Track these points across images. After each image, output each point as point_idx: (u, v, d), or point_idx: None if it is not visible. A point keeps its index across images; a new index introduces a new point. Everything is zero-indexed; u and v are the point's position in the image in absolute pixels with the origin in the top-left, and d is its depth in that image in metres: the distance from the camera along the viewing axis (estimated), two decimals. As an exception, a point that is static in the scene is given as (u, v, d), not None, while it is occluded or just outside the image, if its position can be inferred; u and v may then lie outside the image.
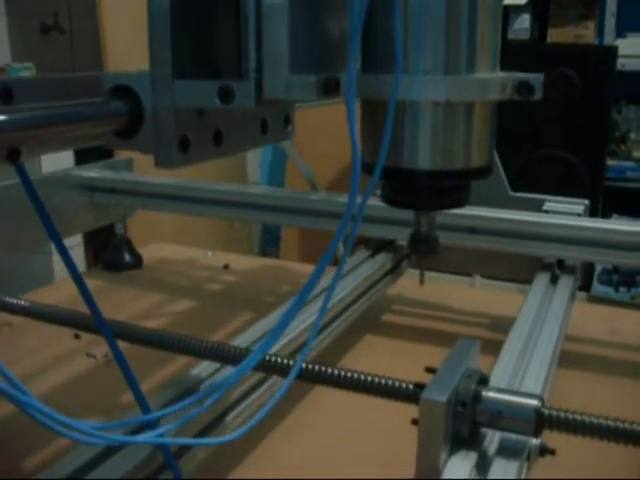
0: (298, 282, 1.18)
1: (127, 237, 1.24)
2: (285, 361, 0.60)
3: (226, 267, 1.26)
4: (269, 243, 2.91)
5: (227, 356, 0.64)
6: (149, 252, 1.32)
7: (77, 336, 0.90)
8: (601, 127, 2.39)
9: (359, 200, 0.43)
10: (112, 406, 0.77)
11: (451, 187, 0.51)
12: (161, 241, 1.50)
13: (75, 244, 2.10)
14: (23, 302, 0.77)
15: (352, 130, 0.39)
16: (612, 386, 0.84)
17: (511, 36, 2.55)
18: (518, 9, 2.52)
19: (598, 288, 2.27)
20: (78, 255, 2.15)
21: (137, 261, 1.26)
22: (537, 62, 2.40)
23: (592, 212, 1.02)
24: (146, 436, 0.50)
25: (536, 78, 0.46)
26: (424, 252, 0.54)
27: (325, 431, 0.75)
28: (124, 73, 0.49)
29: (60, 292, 1.09)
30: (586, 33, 2.53)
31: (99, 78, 0.49)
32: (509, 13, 2.54)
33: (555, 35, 2.55)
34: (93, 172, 1.11)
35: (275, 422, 0.75)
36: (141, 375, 0.57)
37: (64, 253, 0.53)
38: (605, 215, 2.43)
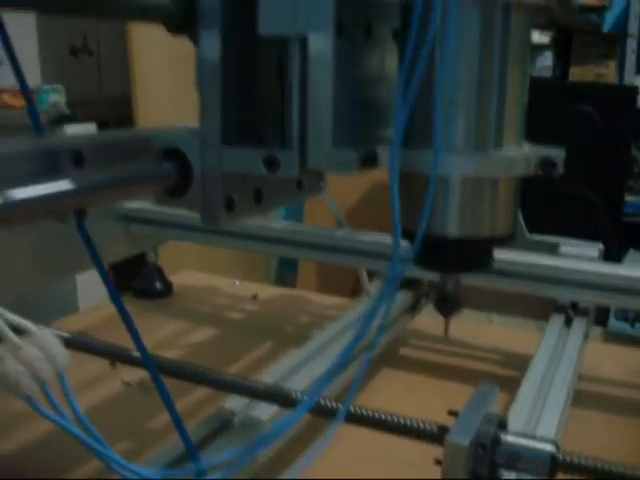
0: (324, 315, 1.22)
1: (158, 265, 1.28)
2: (333, 405, 0.63)
3: (254, 297, 1.30)
4: (287, 268, 2.95)
5: (278, 398, 0.68)
6: (178, 280, 1.35)
7: (112, 364, 0.93)
8: (620, 163, 2.43)
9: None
10: (148, 433, 0.82)
11: (477, 252, 0.55)
12: (183, 266, 1.53)
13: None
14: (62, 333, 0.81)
15: (395, 211, 0.43)
16: (626, 427, 0.87)
17: (533, 73, 2.60)
18: (541, 47, 2.57)
19: (614, 324, 2.29)
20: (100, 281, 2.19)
21: (167, 289, 1.29)
22: (559, 99, 2.45)
23: (610, 247, 1.06)
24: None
25: (558, 155, 0.50)
26: (450, 310, 0.58)
27: (347, 465, 0.79)
28: (173, 134, 0.52)
29: (85, 321, 1.13)
30: (607, 72, 2.57)
31: (150, 138, 0.52)
32: (532, 51, 2.59)
33: (577, 73, 2.59)
34: (129, 203, 1.15)
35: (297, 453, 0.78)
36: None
37: (108, 283, 0.57)
38: (622, 251, 2.46)
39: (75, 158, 0.51)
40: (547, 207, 2.42)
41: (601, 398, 0.94)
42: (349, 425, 0.63)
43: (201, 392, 0.88)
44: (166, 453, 0.62)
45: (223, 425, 0.68)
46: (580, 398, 0.86)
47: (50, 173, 0.49)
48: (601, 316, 2.22)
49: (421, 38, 0.44)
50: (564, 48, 2.61)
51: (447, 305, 0.58)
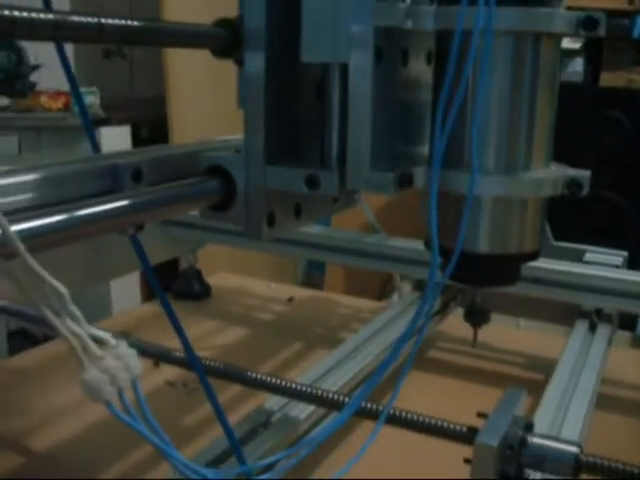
0: (356, 317, 1.26)
1: (197, 268, 1.31)
2: (374, 407, 0.67)
3: (290, 300, 1.33)
4: (314, 268, 2.98)
5: (316, 399, 0.71)
6: (215, 281, 1.39)
7: (156, 364, 0.96)
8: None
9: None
10: (186, 430, 0.86)
11: (506, 268, 0.58)
12: (214, 268, 1.56)
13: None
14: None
15: (433, 226, 0.47)
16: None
17: (564, 79, 2.60)
18: (572, 53, 2.57)
19: (644, 329, 2.30)
20: (134, 283, 2.25)
21: (206, 291, 1.33)
22: (589, 105, 2.46)
23: (638, 254, 1.08)
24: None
25: (583, 176, 0.53)
26: (479, 321, 0.61)
27: (379, 462, 0.82)
28: (219, 153, 0.56)
29: (119, 324, 1.17)
30: (638, 78, 2.57)
31: (197, 156, 0.56)
32: (563, 56, 2.60)
33: (608, 79, 2.58)
34: None
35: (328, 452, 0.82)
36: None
37: (155, 285, 0.60)
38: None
39: (134, 175, 0.55)
40: (576, 213, 2.44)
41: (625, 402, 0.96)
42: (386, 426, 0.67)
43: (236, 390, 0.91)
44: (209, 450, 0.66)
45: (263, 423, 0.72)
46: (604, 402, 0.89)
47: (113, 190, 0.54)
48: (629, 321, 2.23)
49: (459, 67, 0.46)
50: (595, 53, 2.61)
51: (476, 317, 0.61)
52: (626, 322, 1.29)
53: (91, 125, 0.63)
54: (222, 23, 0.52)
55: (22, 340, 1.72)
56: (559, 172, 0.54)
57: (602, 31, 0.50)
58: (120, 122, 2.34)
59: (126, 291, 2.19)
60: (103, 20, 0.45)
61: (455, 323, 1.16)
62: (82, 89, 2.44)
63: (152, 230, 1.15)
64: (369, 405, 0.66)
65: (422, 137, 0.58)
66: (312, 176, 0.52)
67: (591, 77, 2.63)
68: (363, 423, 0.68)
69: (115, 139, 2.25)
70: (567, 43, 2.53)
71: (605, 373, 0.96)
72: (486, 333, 1.13)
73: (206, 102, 2.28)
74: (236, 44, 0.52)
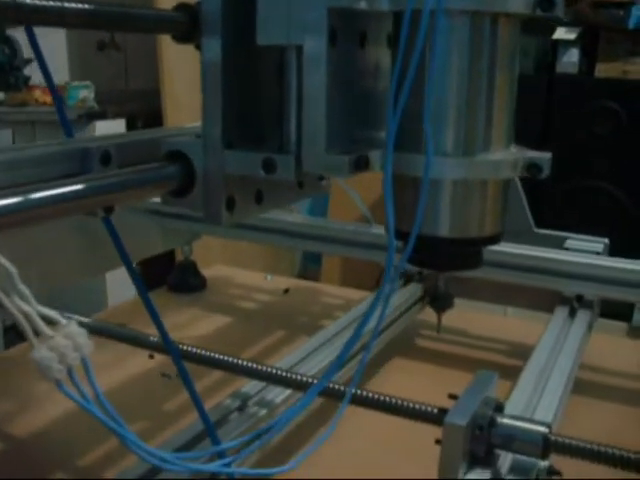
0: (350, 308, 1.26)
1: (192, 260, 1.31)
2: (341, 388, 0.68)
3: (286, 291, 1.34)
4: (310, 261, 2.99)
5: (291, 383, 0.72)
6: (211, 274, 1.39)
7: (151, 356, 0.95)
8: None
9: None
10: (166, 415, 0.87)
11: (467, 252, 0.58)
12: (210, 261, 1.57)
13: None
14: (96, 322, 0.87)
15: (389, 210, 0.47)
16: (632, 417, 0.90)
17: (560, 69, 2.60)
18: (567, 43, 2.56)
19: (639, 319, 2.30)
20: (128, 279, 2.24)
21: (201, 283, 1.33)
22: (584, 96, 2.46)
23: (635, 243, 1.07)
24: (215, 465, 0.57)
25: (543, 159, 0.53)
26: (442, 306, 0.61)
27: (354, 446, 0.83)
28: (179, 138, 0.55)
29: (114, 315, 1.17)
30: (634, 68, 2.56)
31: (159, 142, 0.55)
32: (558, 47, 2.59)
33: (603, 70, 2.57)
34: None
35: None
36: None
37: (134, 275, 0.61)
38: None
39: (103, 158, 0.56)
40: (574, 202, 2.45)
41: (606, 388, 0.97)
42: (357, 409, 0.67)
43: (218, 377, 0.93)
44: (184, 434, 0.68)
45: (238, 407, 0.73)
46: (584, 387, 0.90)
47: (82, 173, 0.54)
48: (626, 311, 2.23)
49: (411, 46, 0.46)
50: (591, 44, 2.61)
51: (440, 302, 0.61)
52: (623, 312, 1.29)
53: (63, 108, 0.63)
54: (182, 8, 0.52)
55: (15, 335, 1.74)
56: (519, 154, 0.54)
57: (559, 11, 0.49)
58: (115, 115, 2.35)
59: (122, 283, 2.19)
60: (66, 4, 0.46)
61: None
62: (76, 83, 2.47)
63: (145, 222, 1.16)
64: (336, 387, 0.67)
65: (383, 122, 0.57)
66: (269, 160, 0.52)
67: (586, 68, 2.63)
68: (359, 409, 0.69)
69: (110, 132, 2.25)
70: (563, 34, 2.53)
71: (588, 360, 0.97)
72: (465, 321, 1.14)
73: (201, 95, 2.26)
74: (195, 29, 0.52)
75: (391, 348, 1.02)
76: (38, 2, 0.44)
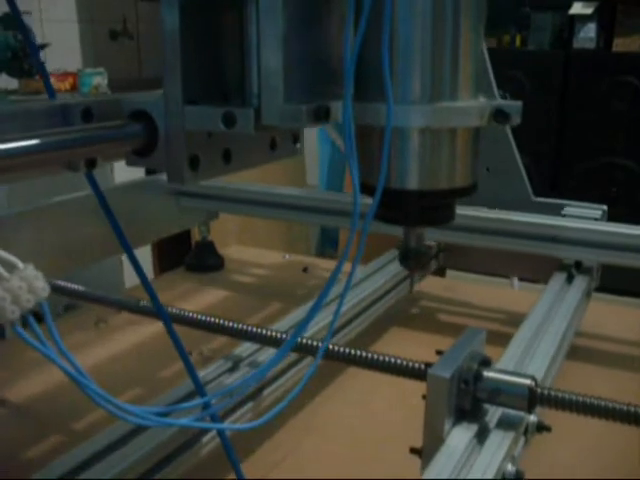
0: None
1: (210, 240, 1.32)
2: (315, 343, 0.69)
3: (305, 270, 1.33)
4: (327, 243, 2.99)
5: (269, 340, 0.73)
6: (230, 254, 1.39)
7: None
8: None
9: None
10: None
11: (437, 205, 0.57)
12: (226, 242, 1.56)
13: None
14: (84, 289, 0.87)
15: (352, 156, 0.46)
16: (630, 381, 0.90)
17: (576, 45, 2.57)
18: (584, 18, 2.54)
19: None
20: (146, 256, 2.25)
21: (219, 263, 1.33)
22: (602, 71, 2.44)
23: None
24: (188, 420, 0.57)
25: (512, 106, 0.51)
26: (413, 266, 0.59)
27: (347, 407, 0.84)
28: (141, 98, 0.55)
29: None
30: (652, 42, 2.53)
31: (122, 101, 0.55)
32: (575, 22, 2.57)
33: (621, 44, 2.55)
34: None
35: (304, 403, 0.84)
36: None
37: (119, 233, 0.61)
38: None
39: (84, 114, 0.56)
40: (592, 178, 2.43)
41: (604, 354, 0.97)
42: (355, 373, 0.67)
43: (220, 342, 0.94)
44: (172, 393, 0.69)
45: (230, 368, 0.73)
46: (582, 353, 0.90)
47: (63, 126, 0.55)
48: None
49: None
50: (608, 19, 2.57)
51: (411, 260, 0.59)
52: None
53: (46, 71, 0.64)
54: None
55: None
56: (487, 102, 0.53)
57: None
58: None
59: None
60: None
61: (437, 283, 1.17)
62: (89, 70, 2.48)
63: (164, 202, 1.17)
64: (310, 342, 0.68)
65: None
66: (228, 114, 0.51)
67: (604, 43, 2.59)
68: (355, 371, 0.69)
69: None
70: (579, 9, 2.51)
71: (587, 327, 0.97)
72: (465, 291, 1.14)
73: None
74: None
75: (389, 318, 1.03)
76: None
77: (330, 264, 1.48)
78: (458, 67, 0.51)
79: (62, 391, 0.85)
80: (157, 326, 0.87)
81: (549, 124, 2.54)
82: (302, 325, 0.54)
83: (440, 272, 1.39)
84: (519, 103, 0.52)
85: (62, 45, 2.60)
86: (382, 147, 0.47)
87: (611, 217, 1.02)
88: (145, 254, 2.25)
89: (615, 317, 1.09)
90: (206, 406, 0.61)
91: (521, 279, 1.50)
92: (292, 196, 1.17)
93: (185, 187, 1.19)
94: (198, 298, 1.18)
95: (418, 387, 0.62)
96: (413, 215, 0.57)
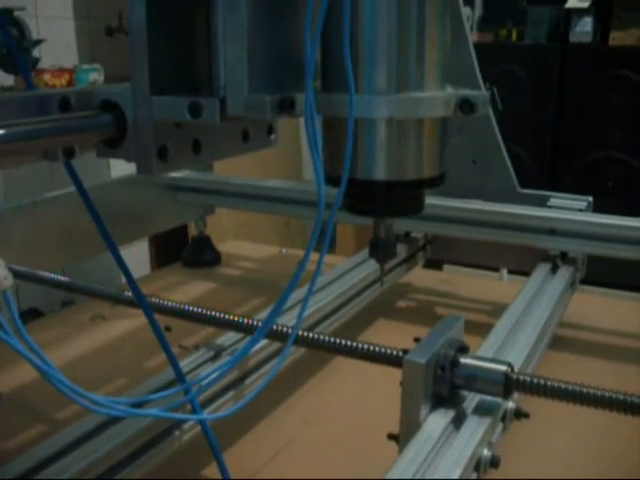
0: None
1: (206, 235, 1.31)
2: (288, 330, 0.69)
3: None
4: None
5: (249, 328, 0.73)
6: (227, 249, 1.39)
7: (168, 328, 0.93)
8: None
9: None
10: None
11: (406, 196, 0.57)
12: (222, 236, 1.57)
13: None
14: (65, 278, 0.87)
15: (314, 146, 0.46)
16: (610, 370, 0.90)
17: (573, 39, 2.57)
18: (580, 12, 2.53)
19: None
20: (143, 252, 2.26)
21: (216, 258, 1.32)
22: (599, 65, 2.44)
23: None
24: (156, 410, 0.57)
25: (478, 96, 0.51)
26: (382, 257, 0.59)
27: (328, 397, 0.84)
28: (111, 89, 0.55)
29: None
30: (649, 35, 2.53)
31: (92, 92, 0.56)
32: (571, 16, 2.57)
33: (617, 38, 2.54)
34: (177, 173, 1.20)
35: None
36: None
37: (102, 228, 0.62)
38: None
39: (62, 104, 0.57)
40: (592, 172, 2.43)
41: (586, 344, 0.98)
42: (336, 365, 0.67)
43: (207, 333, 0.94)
44: (153, 381, 0.69)
45: (211, 357, 0.74)
46: (564, 344, 0.90)
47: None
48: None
49: None
50: (604, 12, 2.57)
51: (380, 251, 0.59)
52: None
53: (27, 66, 0.64)
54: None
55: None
56: (452, 92, 0.53)
57: None
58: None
59: (135, 259, 2.21)
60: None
61: (423, 275, 1.18)
62: (85, 66, 2.48)
63: (162, 196, 1.17)
64: (282, 329, 0.68)
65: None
66: (194, 103, 0.52)
67: (600, 37, 2.59)
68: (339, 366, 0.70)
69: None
70: (576, 2, 2.50)
71: (572, 317, 0.97)
72: (456, 285, 1.14)
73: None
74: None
75: (375, 310, 1.03)
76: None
77: (327, 258, 1.47)
78: (424, 57, 0.52)
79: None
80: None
81: (546, 118, 2.54)
82: (274, 311, 0.55)
83: (437, 265, 1.40)
84: (485, 93, 0.52)
85: (58, 41, 2.60)
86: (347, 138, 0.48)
87: (608, 211, 1.02)
88: (143, 249, 2.25)
89: (602, 308, 1.10)
90: (185, 393, 0.61)
91: (512, 271, 1.50)
92: (289, 190, 1.17)
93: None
94: (193, 292, 1.18)
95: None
96: (381, 206, 0.57)
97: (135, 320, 1.01)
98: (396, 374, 0.63)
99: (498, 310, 1.04)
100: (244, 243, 1.54)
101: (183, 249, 1.35)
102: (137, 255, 2.18)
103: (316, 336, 0.67)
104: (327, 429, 0.79)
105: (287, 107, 0.50)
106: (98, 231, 0.96)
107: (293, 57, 0.55)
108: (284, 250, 1.43)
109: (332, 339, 0.67)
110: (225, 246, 1.42)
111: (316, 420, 0.80)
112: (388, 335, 0.98)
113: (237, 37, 0.49)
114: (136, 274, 1.45)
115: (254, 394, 0.54)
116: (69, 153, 0.57)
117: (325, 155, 0.53)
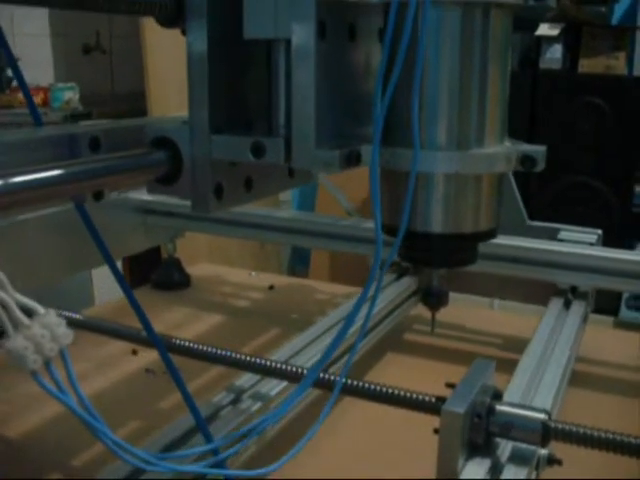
0: (334, 302, 1.25)
1: (176, 257, 1.30)
2: (332, 378, 0.67)
3: (271, 288, 1.32)
4: (298, 262, 2.98)
5: (284, 374, 0.71)
6: (196, 272, 1.38)
7: (134, 352, 0.94)
8: (630, 155, 2.46)
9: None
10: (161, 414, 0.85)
11: (461, 248, 0.57)
12: (196, 261, 1.56)
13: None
14: (80, 316, 0.85)
15: (376, 203, 0.45)
16: (628, 407, 0.89)
17: (543, 66, 2.61)
18: (550, 39, 2.58)
19: (625, 313, 2.31)
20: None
21: (186, 280, 1.31)
22: (568, 92, 2.47)
23: (620, 237, 1.08)
24: (200, 466, 0.55)
25: (538, 151, 0.51)
26: (436, 304, 0.60)
27: (353, 438, 0.82)
28: (165, 124, 0.55)
29: (101, 313, 1.15)
30: (617, 63, 2.58)
31: (144, 128, 0.55)
32: (542, 43, 2.61)
33: (586, 65, 2.60)
34: (147, 196, 1.17)
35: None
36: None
37: (117, 273, 0.60)
38: (633, 240, 2.49)
39: (92, 143, 0.55)
40: (562, 197, 2.45)
41: (601, 379, 0.97)
42: (355, 402, 0.66)
43: (214, 373, 0.92)
44: (174, 429, 0.66)
45: (232, 401, 0.71)
46: (580, 379, 0.89)
47: (71, 157, 0.53)
48: (612, 305, 2.25)
49: (399, 39, 0.45)
50: (574, 40, 2.62)
51: (433, 300, 0.59)
52: (609, 306, 1.28)
53: (32, 99, 0.62)
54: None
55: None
56: (513, 148, 0.53)
57: (552, 1, 0.49)
58: (100, 116, 2.34)
59: (109, 280, 2.16)
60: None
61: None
62: (60, 84, 2.45)
63: (129, 219, 1.15)
64: (329, 377, 0.66)
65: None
66: (258, 143, 0.51)
67: (570, 64, 2.64)
68: (357, 404, 0.68)
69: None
70: (546, 30, 2.54)
71: (583, 352, 0.96)
72: (460, 315, 1.13)
73: (186, 96, 2.26)
74: (181, 13, 0.51)
75: (385, 343, 1.01)
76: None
77: (298, 282, 1.49)
78: (485, 114, 0.51)
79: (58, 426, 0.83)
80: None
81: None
82: (321, 361, 0.53)
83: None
84: (543, 148, 0.52)
85: (34, 59, 2.57)
86: (407, 191, 0.47)
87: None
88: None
89: (602, 339, 1.10)
90: (214, 452, 0.59)
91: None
92: (261, 215, 1.16)
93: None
94: (160, 316, 1.16)
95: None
96: (436, 257, 0.57)
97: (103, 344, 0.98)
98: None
99: (509, 343, 1.05)
100: (214, 266, 1.54)
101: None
102: (110, 274, 2.12)
103: (352, 383, 0.66)
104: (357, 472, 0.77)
105: (354, 161, 0.50)
106: (66, 255, 0.94)
107: (351, 104, 0.54)
108: (253, 273, 1.43)
109: (366, 385, 0.65)
110: (196, 269, 1.41)
111: (342, 462, 0.78)
112: (401, 370, 0.97)
113: (306, 92, 0.49)
114: (110, 295, 1.44)
115: (293, 453, 0.52)
116: (98, 195, 0.55)
117: (383, 204, 0.52)
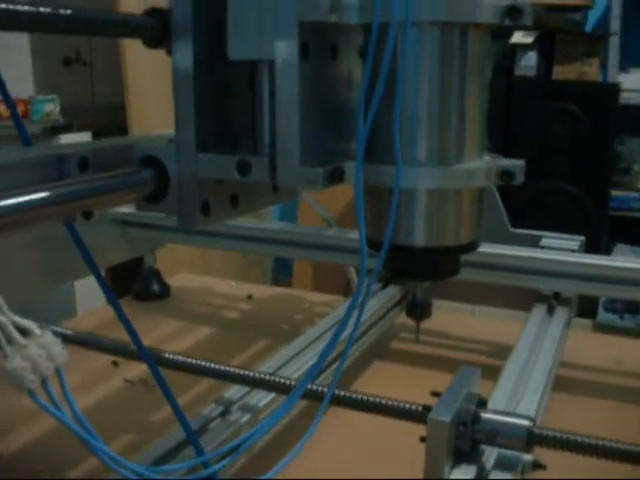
0: (316, 312, 1.26)
1: (156, 268, 1.31)
2: (320, 389, 0.68)
3: (250, 297, 1.34)
4: (281, 271, 2.98)
5: (272, 386, 0.72)
6: (176, 282, 1.38)
7: (115, 363, 0.96)
8: (605, 159, 2.49)
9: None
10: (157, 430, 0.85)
11: (444, 260, 0.58)
12: (178, 270, 1.57)
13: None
14: (63, 329, 0.85)
15: (360, 219, 0.47)
16: (610, 410, 0.91)
17: (518, 73, 2.63)
18: (525, 47, 2.61)
19: (603, 316, 2.33)
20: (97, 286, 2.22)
21: (165, 291, 1.32)
22: (543, 98, 2.50)
23: (597, 241, 1.09)
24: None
25: (516, 165, 0.53)
26: (421, 316, 0.61)
27: (340, 447, 0.83)
28: (153, 143, 0.55)
29: (83, 324, 1.16)
30: (590, 70, 2.61)
31: (132, 147, 0.55)
32: (516, 51, 2.64)
33: (561, 72, 2.63)
34: (126, 208, 1.17)
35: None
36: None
37: (103, 285, 0.60)
38: (610, 244, 2.52)
39: (80, 164, 0.55)
40: (537, 203, 2.48)
41: (583, 384, 0.98)
42: (341, 410, 0.67)
43: (203, 385, 0.92)
44: (165, 442, 0.66)
45: (221, 413, 0.72)
46: (563, 384, 0.90)
47: (60, 179, 0.53)
48: (590, 308, 2.28)
49: (380, 58, 0.46)
50: (548, 47, 2.66)
51: (418, 311, 0.61)
52: (586, 309, 1.30)
53: (20, 118, 0.62)
54: (153, 12, 0.52)
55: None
56: (492, 162, 0.54)
57: (528, 20, 0.50)
58: (81, 129, 2.33)
59: (91, 291, 2.16)
60: (31, 8, 0.45)
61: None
62: (40, 97, 2.44)
63: (109, 231, 1.15)
64: (317, 388, 0.67)
65: (356, 133, 0.58)
66: (243, 161, 0.52)
67: (544, 70, 2.67)
68: (343, 412, 0.68)
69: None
70: (520, 38, 2.58)
71: (565, 356, 0.97)
72: (444, 323, 1.14)
73: (166, 109, 2.26)
74: (166, 34, 0.52)
75: (370, 352, 1.02)
76: (4, 5, 0.43)
77: (278, 291, 1.49)
78: (465, 130, 0.53)
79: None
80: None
81: (493, 149, 2.58)
82: (310, 373, 0.54)
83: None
84: (521, 162, 0.53)
85: (14, 71, 2.56)
86: (390, 205, 0.49)
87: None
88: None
89: (583, 343, 1.11)
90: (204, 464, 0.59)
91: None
92: (244, 227, 1.16)
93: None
94: (140, 327, 1.15)
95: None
96: (420, 270, 0.58)
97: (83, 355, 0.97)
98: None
99: (493, 350, 1.06)
100: (194, 276, 1.55)
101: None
102: (94, 287, 2.12)
103: (342, 393, 0.66)
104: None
105: (337, 178, 0.51)
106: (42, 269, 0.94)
107: (334, 120, 0.55)
108: (233, 283, 1.44)
109: (352, 394, 0.66)
110: (175, 279, 1.42)
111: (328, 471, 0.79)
112: (387, 379, 0.98)
113: (290, 112, 0.50)
114: (92, 305, 1.43)
115: (286, 462, 0.53)
116: (88, 214, 0.55)
117: (367, 219, 0.53)
